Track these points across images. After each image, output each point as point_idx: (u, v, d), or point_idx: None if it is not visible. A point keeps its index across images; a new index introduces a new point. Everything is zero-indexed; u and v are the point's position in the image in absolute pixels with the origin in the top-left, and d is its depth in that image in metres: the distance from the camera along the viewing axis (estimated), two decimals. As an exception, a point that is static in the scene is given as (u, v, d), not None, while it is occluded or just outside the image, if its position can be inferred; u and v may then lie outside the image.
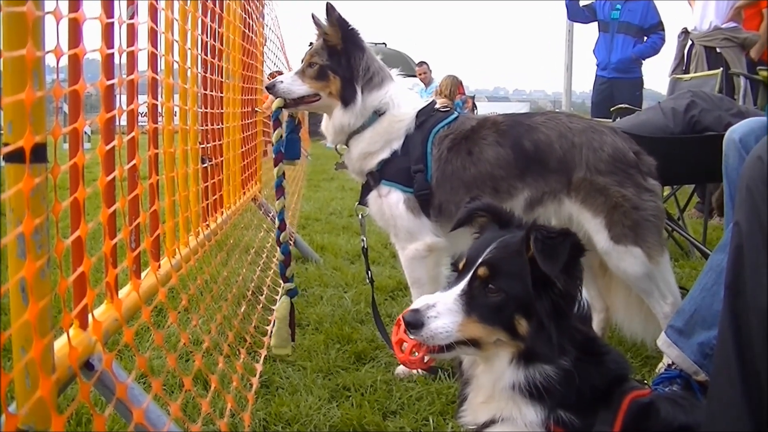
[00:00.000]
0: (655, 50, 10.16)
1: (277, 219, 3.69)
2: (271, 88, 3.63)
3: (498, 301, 1.97)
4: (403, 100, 3.57)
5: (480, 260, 2.02)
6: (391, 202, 3.49)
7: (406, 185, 3.46)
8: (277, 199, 3.65)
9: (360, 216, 3.72)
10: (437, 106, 3.67)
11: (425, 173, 3.45)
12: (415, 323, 1.98)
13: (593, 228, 3.35)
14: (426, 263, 3.51)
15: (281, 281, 3.68)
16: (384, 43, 27.89)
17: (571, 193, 3.38)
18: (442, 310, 1.99)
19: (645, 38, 10.13)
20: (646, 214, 3.31)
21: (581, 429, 1.92)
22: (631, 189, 3.31)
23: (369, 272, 3.76)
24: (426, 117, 3.53)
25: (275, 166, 3.68)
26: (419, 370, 3.31)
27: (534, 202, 3.39)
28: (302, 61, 3.63)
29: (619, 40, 10.13)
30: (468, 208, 2.28)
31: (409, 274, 3.58)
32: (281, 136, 3.69)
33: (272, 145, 3.80)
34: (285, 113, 3.71)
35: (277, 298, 4.23)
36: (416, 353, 2.13)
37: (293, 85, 3.57)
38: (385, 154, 3.51)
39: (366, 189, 3.60)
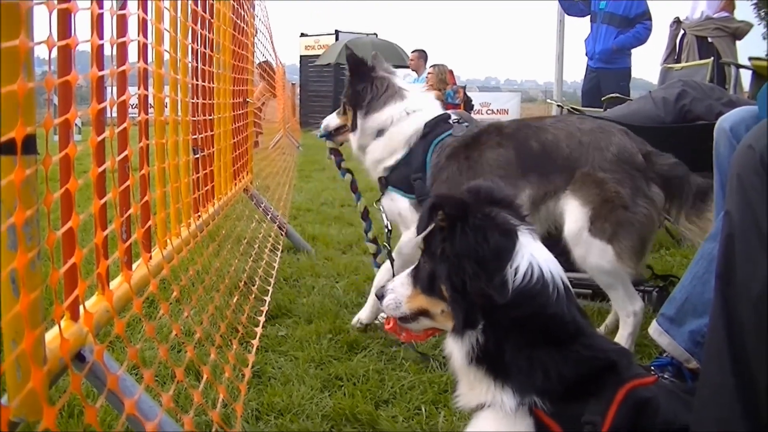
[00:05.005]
0: (638, 40, 9.97)
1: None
2: (321, 128, 4.36)
3: (427, 272, 2.10)
4: (404, 118, 3.86)
5: None
6: (397, 207, 3.87)
7: (407, 191, 3.77)
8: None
9: (380, 209, 4.02)
10: (452, 119, 3.84)
11: (424, 180, 3.71)
12: (378, 296, 2.28)
13: (574, 216, 3.37)
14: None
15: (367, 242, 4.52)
16: (375, 34, 27.85)
17: (569, 186, 3.40)
18: (396, 284, 2.24)
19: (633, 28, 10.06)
20: (633, 217, 3.31)
21: (562, 417, 1.90)
22: (627, 189, 3.31)
23: (388, 250, 3.88)
24: (431, 129, 3.79)
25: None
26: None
27: (537, 200, 3.43)
28: None
29: (602, 30, 10.09)
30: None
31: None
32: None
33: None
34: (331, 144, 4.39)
35: (269, 288, 4.33)
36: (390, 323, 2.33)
37: (330, 120, 4.28)
38: (390, 162, 3.87)
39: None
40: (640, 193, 3.33)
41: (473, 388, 2.03)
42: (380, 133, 3.88)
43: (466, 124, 3.77)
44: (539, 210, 3.45)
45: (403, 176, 3.80)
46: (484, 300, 1.93)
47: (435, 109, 3.93)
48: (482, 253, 1.94)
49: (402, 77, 4.10)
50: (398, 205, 3.84)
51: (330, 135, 4.29)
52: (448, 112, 3.93)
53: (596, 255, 3.34)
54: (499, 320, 1.94)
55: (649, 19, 9.95)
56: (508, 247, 1.96)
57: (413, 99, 3.93)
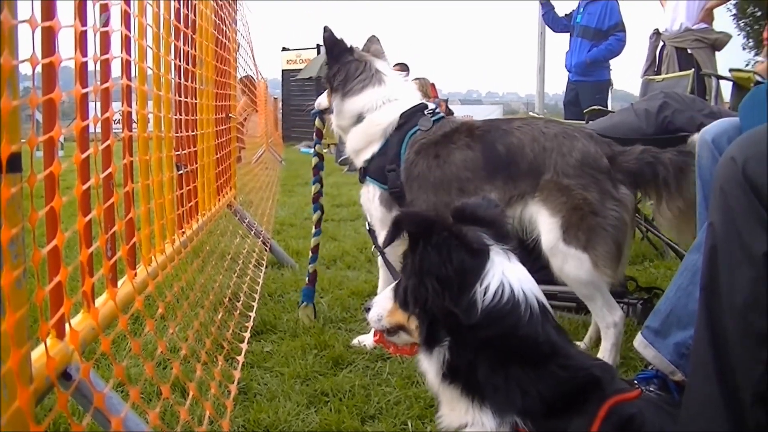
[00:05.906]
0: (611, 52, 10.04)
1: None
2: (315, 105, 4.39)
3: (404, 287, 2.10)
4: (384, 104, 3.85)
5: None
6: (370, 195, 3.88)
7: (382, 182, 3.77)
8: None
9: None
10: (428, 109, 3.85)
11: (398, 172, 3.71)
12: (366, 310, 2.30)
13: (547, 227, 3.37)
14: (393, 250, 3.64)
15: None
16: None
17: (536, 193, 3.41)
18: (380, 298, 2.26)
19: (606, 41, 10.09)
20: (604, 222, 3.30)
21: None
22: (594, 194, 3.31)
23: (377, 248, 3.85)
24: (406, 120, 3.78)
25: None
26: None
27: (504, 203, 3.41)
28: None
29: (578, 43, 10.18)
30: None
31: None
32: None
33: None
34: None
35: (254, 304, 4.29)
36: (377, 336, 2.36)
37: (321, 99, 4.29)
38: (368, 154, 3.87)
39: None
40: (608, 197, 3.32)
41: (453, 408, 2.03)
42: (360, 118, 3.89)
43: (435, 117, 3.78)
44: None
45: (378, 167, 3.82)
46: (449, 318, 1.94)
47: (412, 99, 3.92)
48: (445, 271, 1.94)
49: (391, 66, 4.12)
50: (370, 195, 3.88)
51: (320, 113, 4.35)
52: (425, 102, 3.94)
53: (573, 265, 3.34)
54: (467, 339, 1.94)
55: (623, 30, 10.01)
56: (476, 266, 1.96)
57: (392, 87, 3.93)
